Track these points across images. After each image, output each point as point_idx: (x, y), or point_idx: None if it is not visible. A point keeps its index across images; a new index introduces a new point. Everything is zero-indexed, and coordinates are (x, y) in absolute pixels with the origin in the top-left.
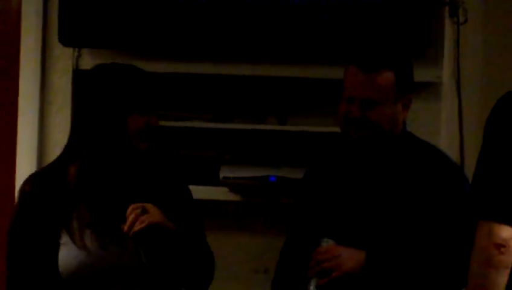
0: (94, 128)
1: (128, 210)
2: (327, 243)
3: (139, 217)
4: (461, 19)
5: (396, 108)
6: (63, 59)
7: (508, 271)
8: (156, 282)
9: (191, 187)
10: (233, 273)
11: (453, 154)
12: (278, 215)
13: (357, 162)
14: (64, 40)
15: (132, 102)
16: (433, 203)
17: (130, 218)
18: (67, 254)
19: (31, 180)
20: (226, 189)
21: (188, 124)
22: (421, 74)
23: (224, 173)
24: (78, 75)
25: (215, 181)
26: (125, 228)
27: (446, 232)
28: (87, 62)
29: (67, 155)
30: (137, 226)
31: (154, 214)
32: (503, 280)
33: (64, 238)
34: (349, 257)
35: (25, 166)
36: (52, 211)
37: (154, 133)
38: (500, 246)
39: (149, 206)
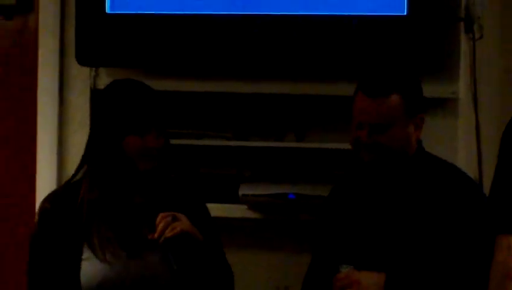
0: (93, 148)
1: (158, 218)
2: (346, 269)
3: (169, 224)
4: (477, 35)
5: (408, 129)
6: (81, 78)
7: None
8: None
9: (210, 205)
10: (251, 288)
11: (471, 170)
12: (297, 232)
13: (373, 185)
14: (82, 60)
15: (127, 124)
16: (451, 223)
17: (161, 225)
18: (90, 268)
19: (50, 197)
20: (245, 207)
21: (207, 142)
22: (437, 90)
23: (243, 190)
24: (95, 95)
25: (234, 199)
26: (156, 234)
27: (466, 253)
28: (105, 81)
29: (81, 172)
30: (168, 233)
31: (185, 222)
32: None
33: (86, 254)
34: (369, 283)
35: (44, 184)
36: (72, 227)
37: (154, 153)
38: None
39: (179, 215)
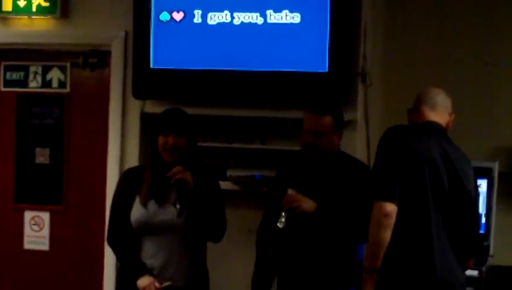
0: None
1: (175, 168)
2: (292, 191)
3: (180, 170)
4: (368, 83)
5: (334, 138)
6: (135, 106)
7: (391, 230)
8: (185, 230)
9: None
10: (233, 231)
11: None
12: (260, 197)
13: (310, 169)
14: (136, 95)
15: (158, 127)
16: (353, 191)
17: (175, 169)
18: (135, 210)
19: (126, 171)
20: (230, 182)
21: (209, 144)
22: (345, 116)
23: (230, 173)
24: (143, 116)
25: (224, 178)
26: (171, 173)
27: (360, 207)
28: (149, 108)
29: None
30: (178, 174)
31: (188, 174)
32: (388, 235)
33: (136, 201)
34: (307, 202)
35: (112, 169)
36: (133, 187)
37: (173, 149)
38: (386, 215)
39: (187, 171)
